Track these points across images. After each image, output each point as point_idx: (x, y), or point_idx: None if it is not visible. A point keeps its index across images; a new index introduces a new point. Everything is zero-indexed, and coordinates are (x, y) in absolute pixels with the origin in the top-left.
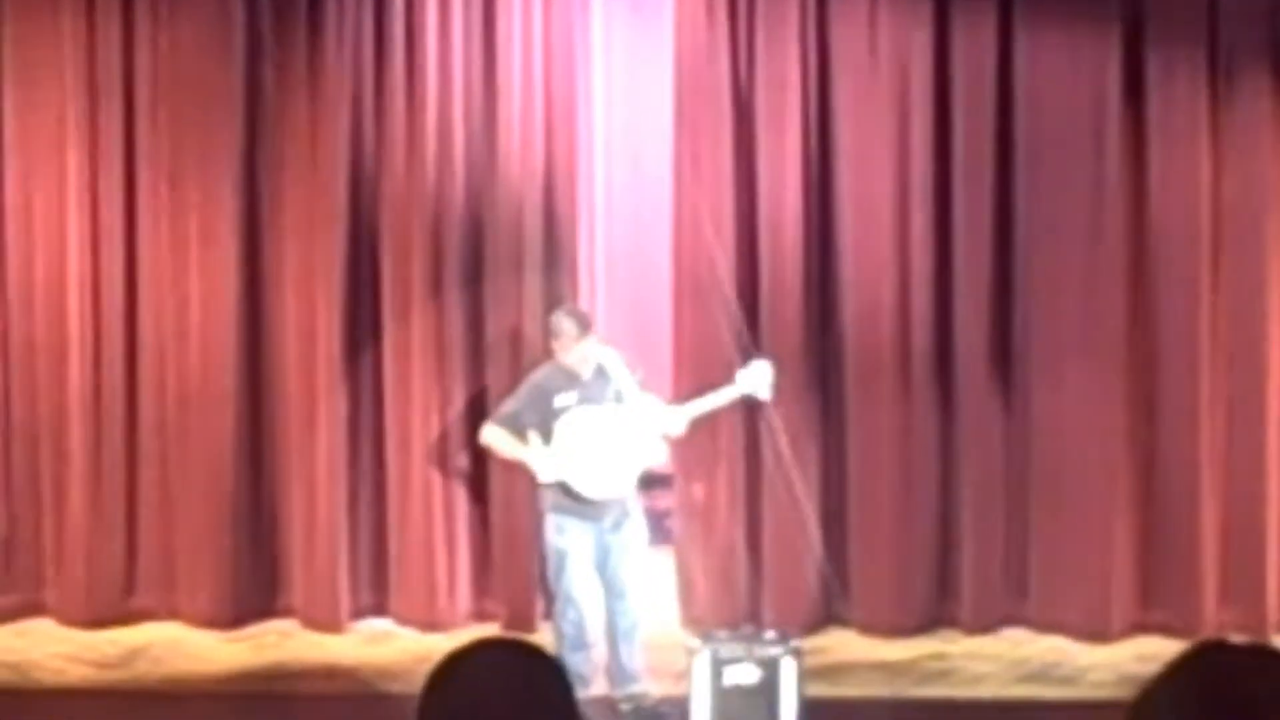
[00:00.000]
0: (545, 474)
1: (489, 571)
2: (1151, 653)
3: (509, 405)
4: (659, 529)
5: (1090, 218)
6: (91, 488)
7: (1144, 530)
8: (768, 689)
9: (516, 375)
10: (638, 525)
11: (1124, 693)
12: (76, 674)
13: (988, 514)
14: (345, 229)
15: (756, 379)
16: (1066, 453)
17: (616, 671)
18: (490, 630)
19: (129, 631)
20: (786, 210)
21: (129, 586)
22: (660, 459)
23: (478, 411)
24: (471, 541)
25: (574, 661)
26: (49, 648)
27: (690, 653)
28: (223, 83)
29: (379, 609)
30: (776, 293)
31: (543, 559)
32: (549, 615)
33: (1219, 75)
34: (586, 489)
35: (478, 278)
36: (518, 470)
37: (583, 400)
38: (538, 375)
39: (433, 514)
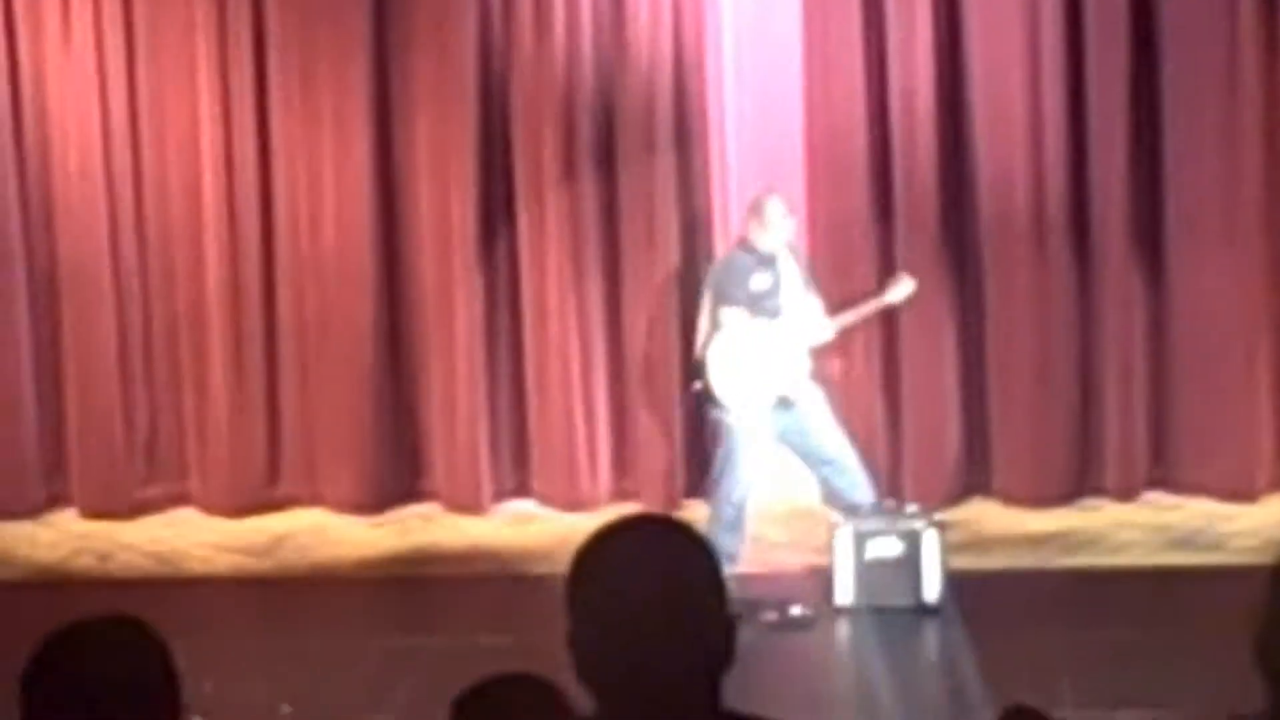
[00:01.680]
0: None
1: (629, 451)
2: None
3: (729, 295)
4: None
5: (1225, 84)
6: (232, 377)
7: None
8: (910, 562)
9: (652, 254)
10: (811, 391)
11: (1269, 558)
12: (224, 562)
13: (1128, 380)
14: (476, 112)
15: (902, 291)
16: (1206, 318)
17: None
18: (632, 509)
19: (274, 519)
20: (918, 86)
21: (272, 474)
22: (805, 372)
23: (613, 292)
24: (611, 421)
25: (726, 542)
26: (196, 537)
27: (832, 527)
28: None
29: (521, 490)
30: (910, 166)
31: (711, 434)
32: (703, 493)
33: None
34: (725, 397)
35: (610, 158)
36: (656, 349)
37: (775, 283)
38: (735, 258)
39: (571, 395)
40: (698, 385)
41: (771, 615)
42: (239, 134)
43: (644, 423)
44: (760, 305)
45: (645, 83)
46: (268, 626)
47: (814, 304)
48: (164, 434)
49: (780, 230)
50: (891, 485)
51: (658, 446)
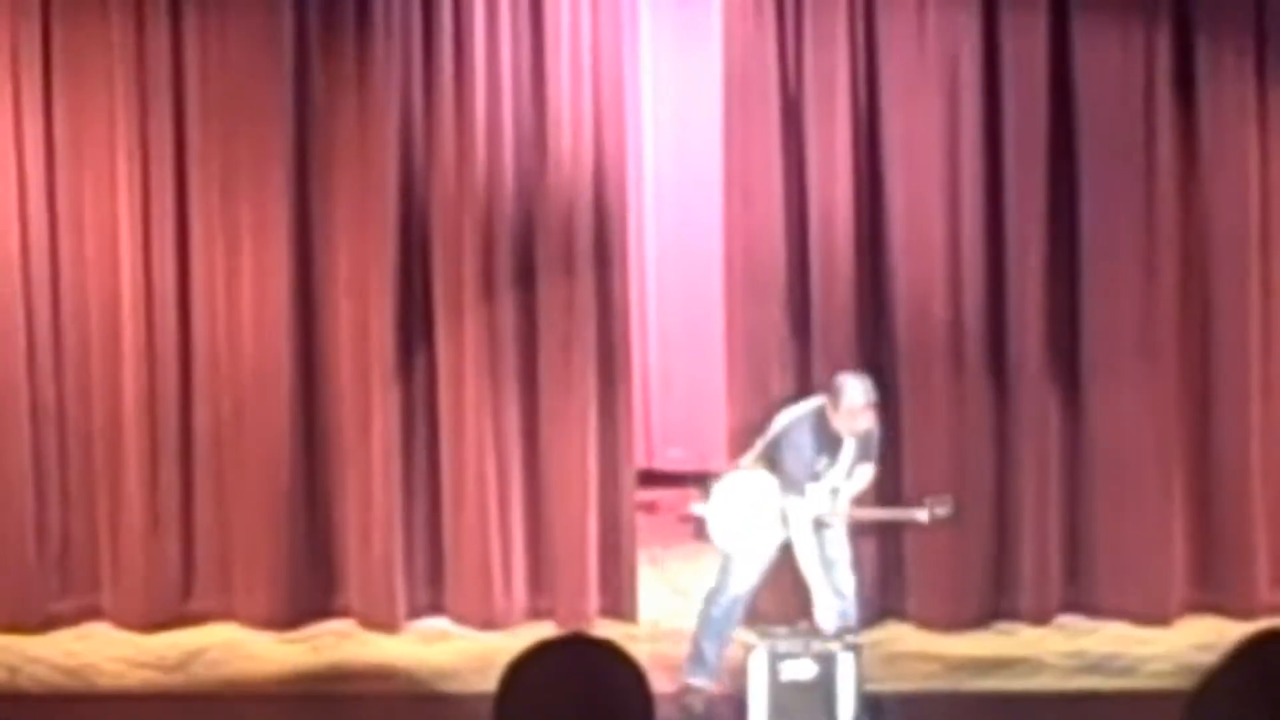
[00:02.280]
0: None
1: (545, 569)
2: (1209, 641)
3: (790, 469)
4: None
5: (1142, 207)
6: (147, 491)
7: (1198, 516)
8: (825, 684)
9: (569, 372)
10: (836, 543)
11: (1182, 683)
12: (135, 677)
13: (1043, 503)
14: (396, 229)
15: (938, 513)
16: (1121, 441)
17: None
18: (546, 628)
19: (187, 634)
20: (837, 205)
21: (186, 589)
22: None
23: (529, 409)
24: (527, 540)
25: (706, 649)
26: (107, 651)
27: (747, 648)
28: (272, 86)
29: (435, 608)
30: (828, 286)
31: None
32: (617, 613)
33: (1268, 62)
34: (717, 537)
35: (529, 276)
36: (574, 465)
37: (831, 465)
38: (800, 435)
39: (488, 513)
40: (695, 511)
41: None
42: (158, 245)
43: (559, 541)
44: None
45: (565, 201)
46: None
47: (865, 472)
48: (77, 547)
49: (855, 421)
50: (806, 607)
51: (573, 566)
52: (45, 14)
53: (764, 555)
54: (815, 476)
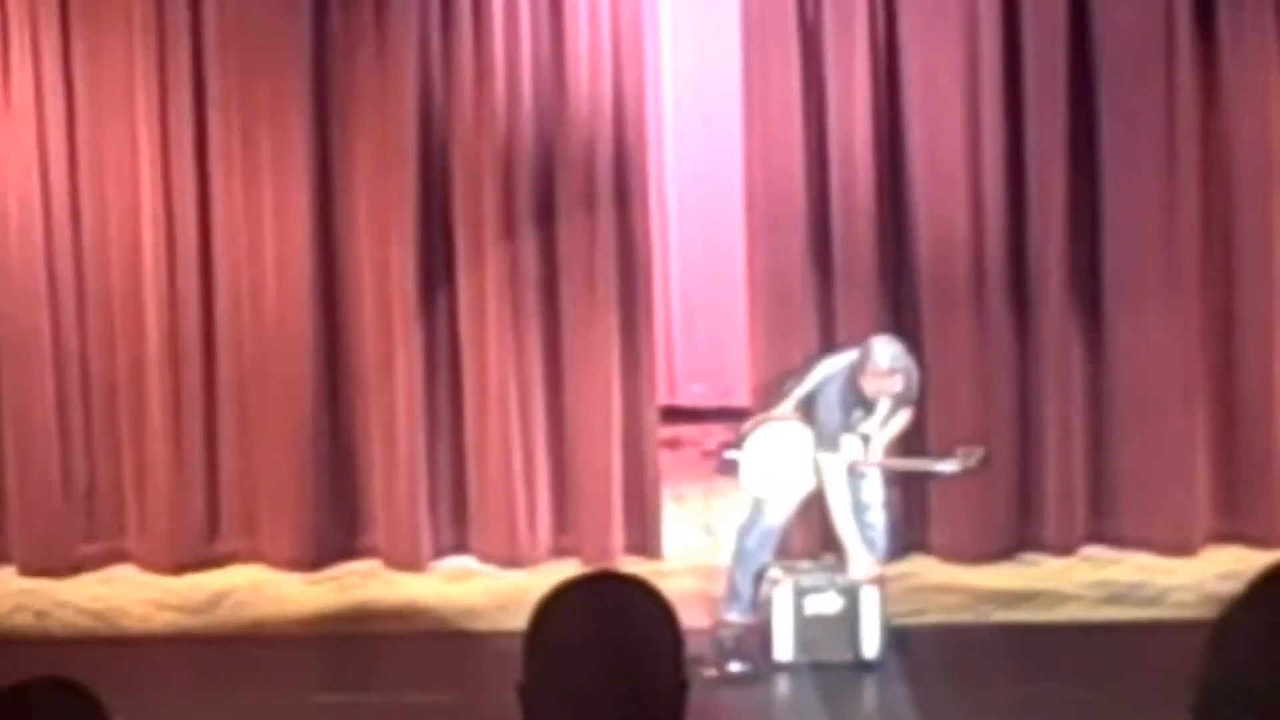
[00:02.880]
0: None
1: (568, 507)
2: (1233, 570)
3: (825, 424)
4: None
5: (1163, 139)
6: (171, 434)
7: (1223, 444)
8: (849, 618)
9: (592, 311)
10: (871, 489)
11: (1207, 612)
12: (162, 620)
13: (1067, 435)
14: (416, 168)
15: (967, 462)
16: (1145, 370)
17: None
18: (570, 566)
19: (212, 576)
20: (857, 140)
21: (211, 531)
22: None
23: (553, 349)
24: (551, 478)
25: (740, 583)
26: (134, 594)
27: (772, 583)
28: (291, 26)
29: (459, 547)
30: (849, 221)
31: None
32: (645, 550)
33: None
34: (749, 483)
35: (550, 213)
36: (597, 402)
37: (866, 420)
38: (835, 393)
39: (511, 451)
40: (730, 455)
41: (711, 671)
42: (179, 193)
43: (584, 480)
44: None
45: (585, 139)
46: (206, 684)
47: (901, 417)
48: (102, 491)
49: (882, 384)
50: (831, 540)
51: (597, 503)
52: None
53: (796, 497)
54: (848, 429)
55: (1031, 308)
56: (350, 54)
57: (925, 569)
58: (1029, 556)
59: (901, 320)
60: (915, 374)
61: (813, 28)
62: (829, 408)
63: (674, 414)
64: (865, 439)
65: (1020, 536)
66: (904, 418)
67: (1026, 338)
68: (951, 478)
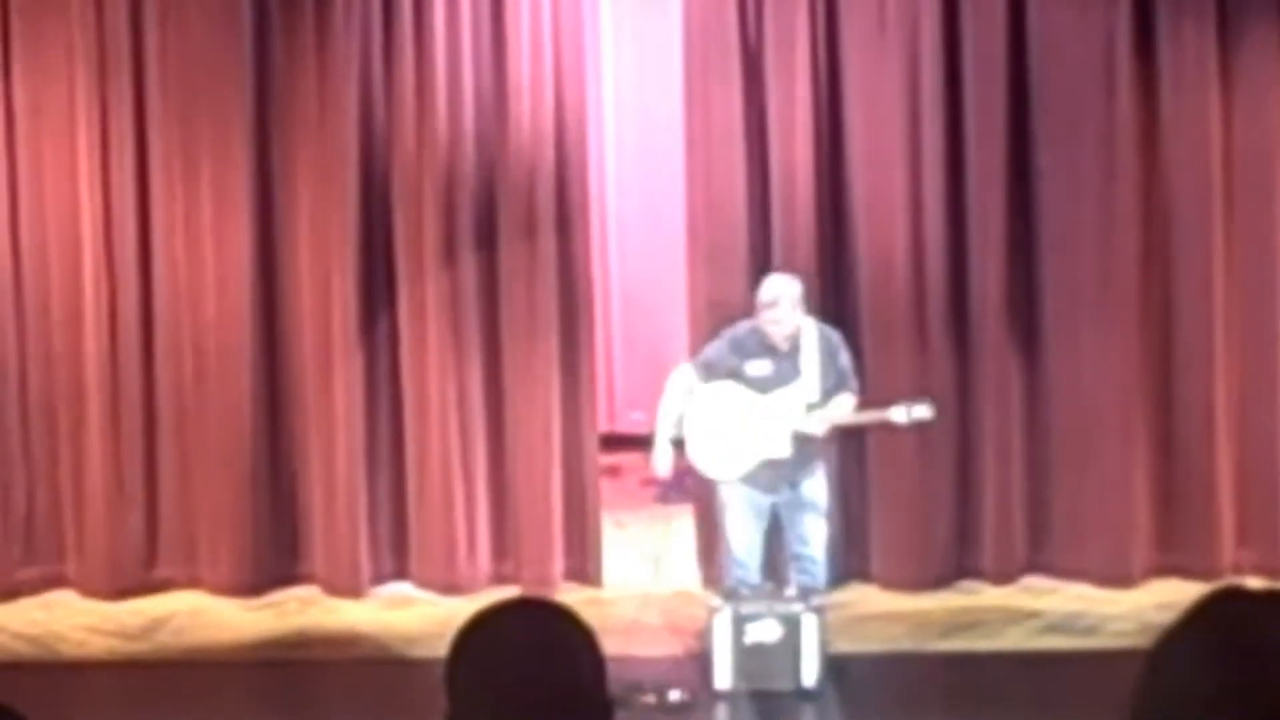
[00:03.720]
0: (658, 464)
1: (508, 534)
2: (1171, 600)
3: (707, 352)
4: (678, 488)
5: (1103, 168)
6: (111, 459)
7: (1162, 475)
8: (789, 646)
9: (532, 337)
10: (813, 488)
11: (1145, 642)
12: (99, 645)
13: (1006, 464)
14: (357, 195)
15: (916, 413)
16: (1083, 403)
17: None
18: (510, 592)
19: (151, 601)
20: (798, 166)
21: (150, 557)
22: (784, 452)
23: (493, 373)
24: (490, 504)
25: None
26: (72, 619)
27: (711, 610)
28: (232, 53)
29: (399, 573)
30: (789, 247)
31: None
32: (582, 576)
33: (1228, 23)
34: (701, 464)
35: (491, 240)
36: (537, 429)
37: (775, 371)
38: (739, 330)
39: (451, 477)
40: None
41: (650, 699)
42: (119, 210)
43: (524, 506)
44: (753, 384)
45: (527, 164)
46: (144, 710)
47: (845, 401)
48: (41, 515)
49: (776, 321)
50: (771, 568)
51: (538, 530)
52: None
53: (753, 481)
54: (733, 367)
55: (970, 337)
56: (292, 77)
57: (865, 597)
58: (968, 585)
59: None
60: (844, 354)
61: (754, 54)
62: (717, 344)
63: (615, 441)
64: (809, 407)
65: (959, 565)
66: (847, 401)
67: (966, 366)
68: (903, 428)
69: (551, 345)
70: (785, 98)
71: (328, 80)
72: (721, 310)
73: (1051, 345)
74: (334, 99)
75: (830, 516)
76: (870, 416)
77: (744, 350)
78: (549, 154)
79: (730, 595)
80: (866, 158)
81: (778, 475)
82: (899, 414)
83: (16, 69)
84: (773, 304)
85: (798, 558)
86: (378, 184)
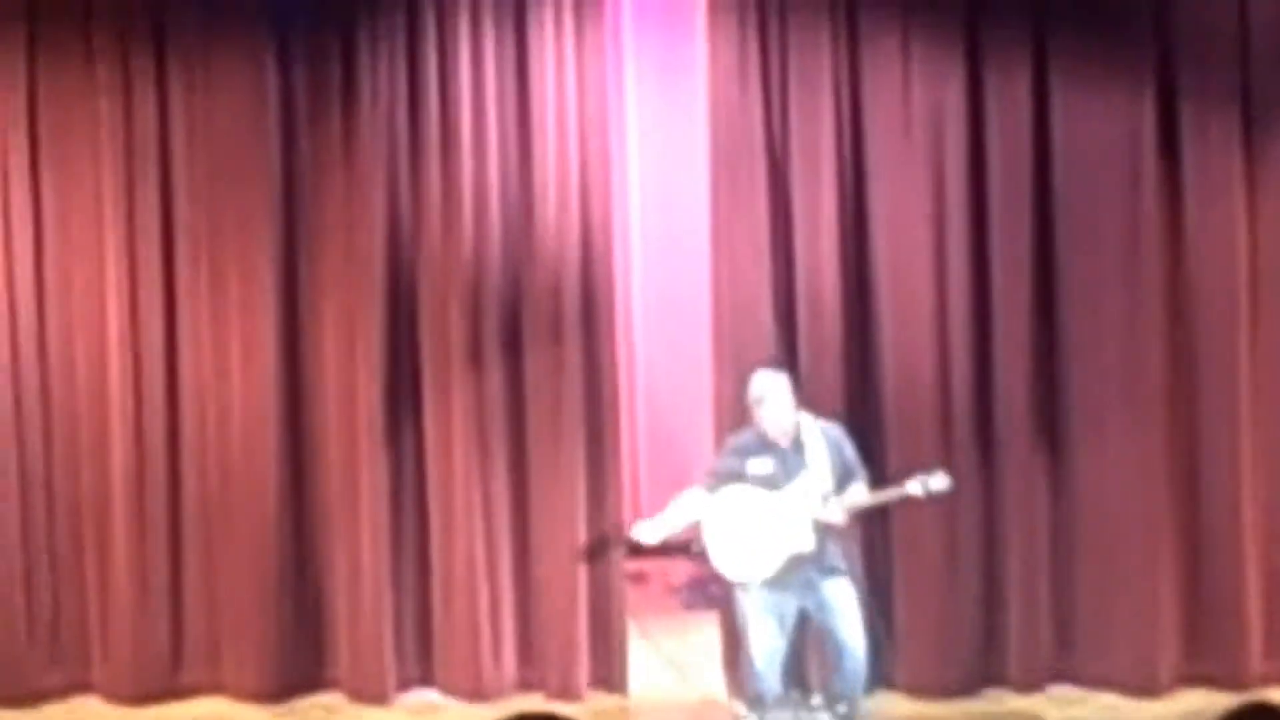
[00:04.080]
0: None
1: (534, 640)
2: (1198, 709)
3: (714, 465)
4: (705, 594)
5: (1127, 275)
6: (136, 564)
7: (1189, 584)
8: None
9: (557, 442)
10: (840, 589)
11: None
12: None
13: (1033, 571)
14: (383, 300)
15: (933, 484)
16: (1110, 508)
17: None
18: (536, 700)
19: (176, 708)
20: (823, 273)
21: (175, 662)
22: (808, 544)
23: (518, 479)
24: (516, 610)
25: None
26: None
27: (736, 719)
28: (259, 156)
29: (425, 680)
30: (814, 352)
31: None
32: (608, 684)
33: (1252, 127)
34: (724, 568)
35: (516, 345)
36: (563, 535)
37: (779, 468)
38: (739, 435)
39: (477, 583)
40: (697, 549)
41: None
42: (145, 318)
43: (549, 613)
44: (759, 483)
45: (552, 267)
46: None
47: (858, 490)
48: (66, 620)
49: (771, 417)
50: (797, 676)
51: (563, 637)
52: (31, 86)
53: (776, 585)
54: (737, 477)
55: (996, 442)
56: (318, 183)
57: (890, 705)
58: (994, 693)
59: (869, 454)
60: (848, 446)
61: (779, 156)
62: (720, 455)
63: (640, 548)
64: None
65: (985, 673)
66: (861, 491)
67: (990, 469)
68: (919, 501)
69: (577, 449)
70: (810, 200)
71: (354, 185)
72: (747, 415)
73: (1077, 449)
74: (360, 204)
75: (862, 617)
76: (888, 494)
77: (745, 451)
78: (574, 257)
79: (755, 704)
80: (891, 260)
81: (803, 574)
82: (915, 487)
83: (44, 176)
84: (759, 400)
85: (838, 663)
86: (404, 289)
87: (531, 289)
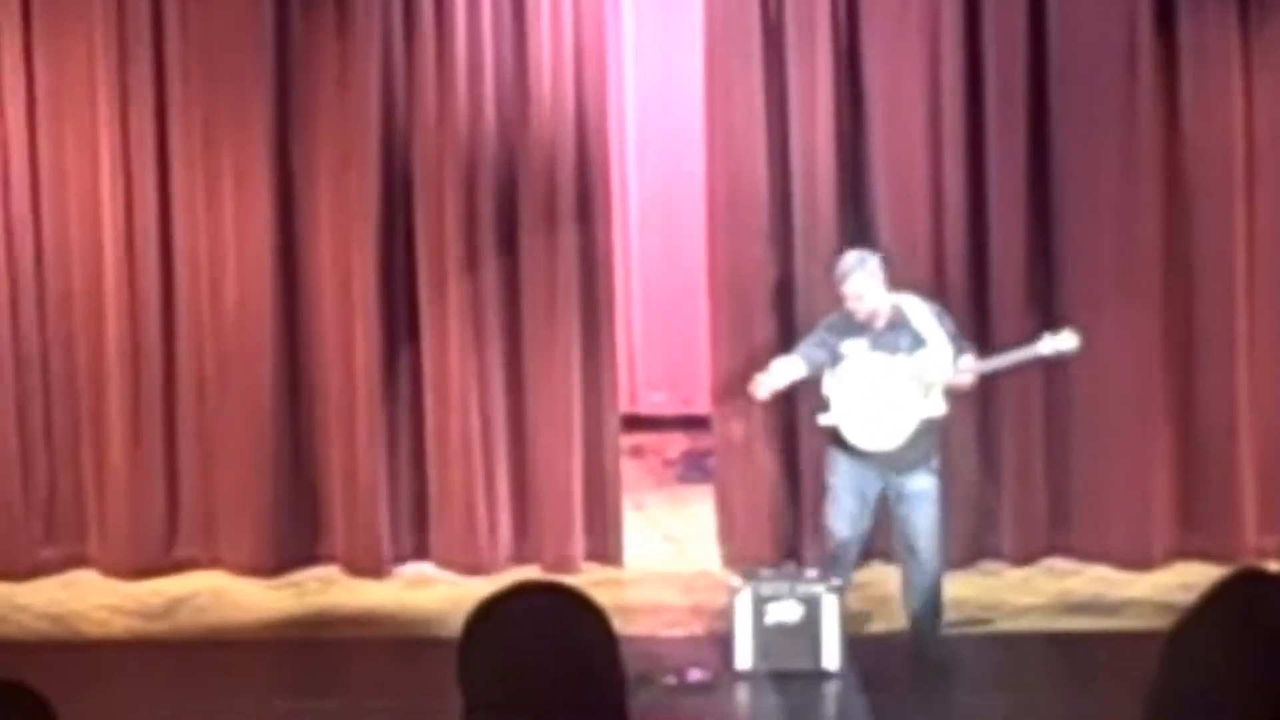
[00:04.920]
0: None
1: (529, 514)
2: (1193, 581)
3: (803, 344)
4: (700, 468)
5: (1124, 147)
6: (132, 439)
7: (1183, 457)
8: (810, 626)
9: (552, 319)
10: (924, 478)
11: (1165, 623)
12: (120, 625)
13: (1028, 444)
14: (378, 173)
15: (1062, 344)
16: (1105, 383)
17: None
18: (531, 572)
19: (172, 581)
20: (819, 146)
21: (171, 536)
22: (940, 411)
23: (514, 353)
24: (511, 484)
25: (834, 576)
26: (93, 599)
27: (732, 591)
28: (253, 33)
29: (420, 553)
30: (811, 228)
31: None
32: (602, 557)
33: (1249, 2)
34: (857, 438)
35: (512, 223)
36: (558, 409)
37: (873, 348)
38: (830, 318)
39: (472, 457)
40: (824, 419)
41: (670, 679)
42: (139, 197)
43: (545, 486)
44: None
45: (548, 146)
46: (164, 690)
47: (966, 361)
48: (62, 495)
49: (851, 296)
50: (791, 548)
51: (558, 510)
52: None
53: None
54: (833, 354)
55: (991, 319)
56: (312, 61)
57: (887, 577)
58: (989, 566)
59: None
60: (948, 320)
61: (775, 34)
62: (815, 329)
63: (636, 422)
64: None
65: (980, 547)
66: (969, 361)
67: (987, 346)
68: (1053, 359)
69: (572, 326)
70: (806, 78)
71: (349, 64)
72: (741, 291)
73: (1072, 325)
74: (355, 83)
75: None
76: (1019, 355)
77: (836, 330)
78: (570, 136)
79: (750, 575)
80: (887, 138)
81: (894, 460)
82: (1046, 346)
83: (38, 54)
84: (841, 279)
85: (910, 554)
86: (398, 167)
87: (527, 166)
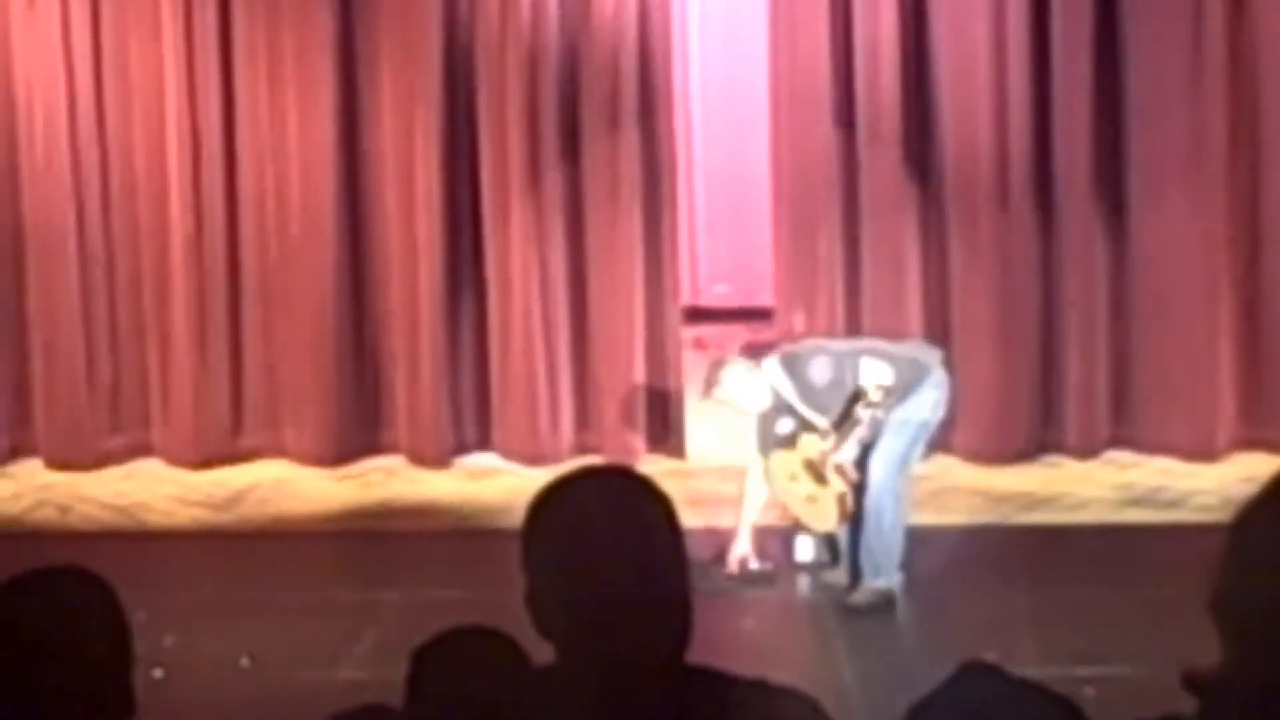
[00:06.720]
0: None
1: (591, 405)
2: (1255, 473)
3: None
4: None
5: (1191, 38)
6: (196, 329)
7: (1249, 349)
8: None
9: (615, 214)
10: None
11: (1229, 515)
12: (184, 515)
13: (1090, 336)
14: (441, 73)
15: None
16: (1169, 273)
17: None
18: (594, 463)
19: (236, 471)
20: (882, 38)
21: (235, 426)
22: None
23: (577, 246)
24: (574, 376)
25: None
26: (157, 489)
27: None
28: None
29: (482, 444)
30: (874, 121)
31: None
32: (665, 447)
33: None
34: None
35: (574, 115)
36: (621, 301)
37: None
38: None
39: (534, 349)
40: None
41: (732, 569)
42: (203, 93)
43: (607, 378)
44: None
45: (610, 39)
46: (228, 580)
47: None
48: (127, 385)
49: (743, 399)
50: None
51: (620, 401)
52: None
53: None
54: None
55: (1056, 207)
56: None
57: (947, 470)
58: (1050, 459)
59: (927, 219)
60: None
61: None
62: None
63: (698, 314)
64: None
65: (1042, 439)
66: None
67: (1050, 237)
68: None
69: (635, 219)
70: None
71: None
72: (804, 184)
73: (1137, 216)
74: None
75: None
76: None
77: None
78: (633, 28)
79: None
80: (952, 24)
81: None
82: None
83: None
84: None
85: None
86: (461, 62)
87: (590, 59)
